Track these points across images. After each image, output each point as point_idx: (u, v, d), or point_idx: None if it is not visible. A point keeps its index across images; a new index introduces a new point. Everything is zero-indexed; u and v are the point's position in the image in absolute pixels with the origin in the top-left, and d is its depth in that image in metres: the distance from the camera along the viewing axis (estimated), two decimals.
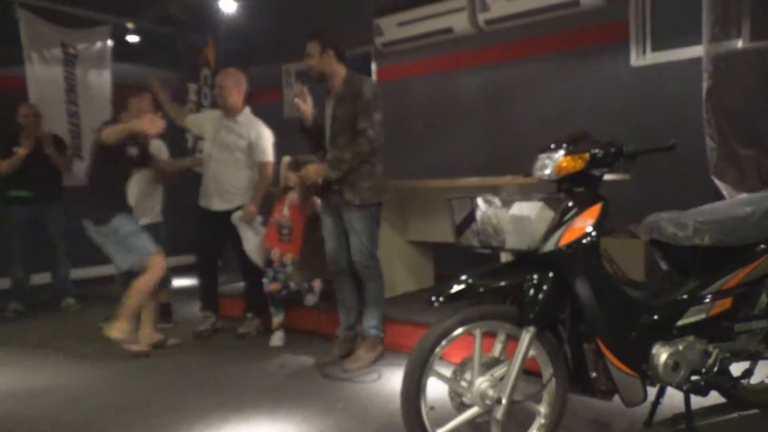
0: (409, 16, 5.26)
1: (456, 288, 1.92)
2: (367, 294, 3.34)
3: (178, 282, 6.39)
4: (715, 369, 2.08)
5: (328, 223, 3.40)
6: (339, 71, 3.23)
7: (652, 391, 2.12)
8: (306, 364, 3.43)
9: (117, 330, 3.53)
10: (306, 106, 3.30)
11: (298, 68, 6.59)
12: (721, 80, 3.62)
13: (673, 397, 2.31)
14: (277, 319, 3.86)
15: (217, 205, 4.02)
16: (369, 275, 3.29)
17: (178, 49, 6.72)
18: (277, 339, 3.82)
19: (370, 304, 3.34)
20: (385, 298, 3.47)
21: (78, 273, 5.60)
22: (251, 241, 3.95)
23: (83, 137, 5.97)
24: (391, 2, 5.45)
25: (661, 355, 2.01)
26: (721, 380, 2.14)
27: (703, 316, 2.09)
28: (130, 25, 6.45)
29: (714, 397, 2.22)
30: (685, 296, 2.11)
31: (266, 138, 4.03)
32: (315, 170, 3.20)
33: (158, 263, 3.66)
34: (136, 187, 4.40)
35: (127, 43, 6.58)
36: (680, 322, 2.07)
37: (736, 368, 2.22)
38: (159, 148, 4.42)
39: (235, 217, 3.95)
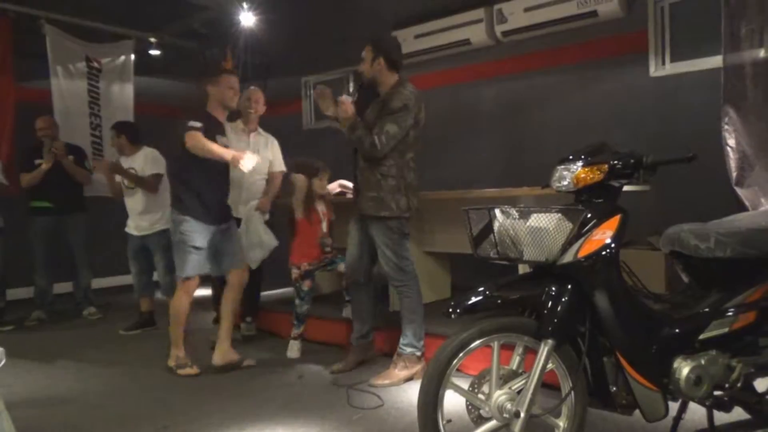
0: (427, 29, 5.29)
1: (473, 299, 1.91)
2: (402, 311, 3.26)
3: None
4: (739, 384, 2.04)
5: (353, 231, 3.38)
6: (389, 80, 3.23)
7: (673, 406, 2.08)
8: (323, 375, 3.43)
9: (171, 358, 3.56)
10: (327, 104, 3.17)
11: (316, 79, 6.66)
12: (742, 90, 3.57)
13: (696, 413, 2.27)
14: (297, 330, 3.88)
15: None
16: (401, 290, 3.23)
17: (199, 63, 6.83)
18: (294, 349, 3.83)
19: (404, 321, 3.25)
20: None
21: (99, 282, 5.69)
22: (260, 236, 3.99)
23: (105, 149, 6.09)
24: (409, 15, 5.49)
25: (683, 369, 1.98)
26: (745, 396, 2.09)
27: (725, 329, 2.05)
28: (152, 39, 6.59)
29: (738, 413, 2.17)
30: (707, 309, 2.07)
31: (279, 149, 4.27)
32: (346, 108, 3.09)
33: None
34: (134, 200, 4.62)
35: (149, 56, 6.72)
36: (702, 336, 2.04)
37: (761, 383, 2.17)
38: (146, 161, 4.61)
39: (252, 206, 4.06)
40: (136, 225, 4.64)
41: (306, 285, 3.84)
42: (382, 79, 3.22)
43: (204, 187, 3.47)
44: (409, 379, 3.23)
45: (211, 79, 3.56)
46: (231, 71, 3.71)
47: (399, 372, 3.22)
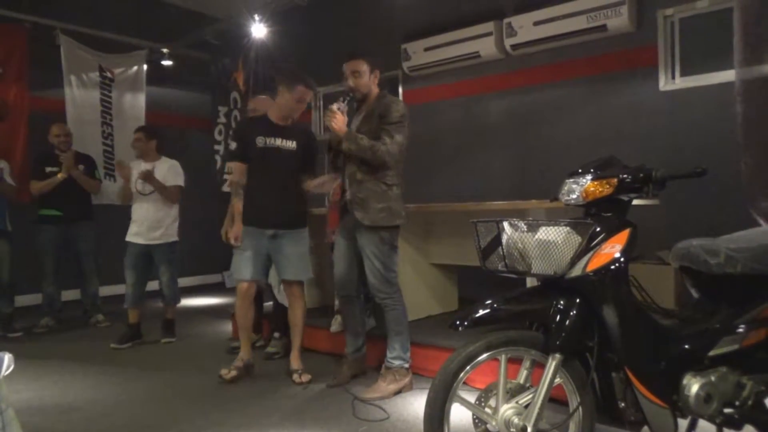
0: (436, 41, 5.33)
1: (481, 312, 1.90)
2: (387, 324, 3.24)
3: (207, 301, 6.47)
4: (750, 402, 2.01)
5: (341, 246, 3.32)
6: (375, 91, 3.28)
7: (683, 423, 2.06)
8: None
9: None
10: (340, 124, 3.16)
11: (326, 91, 6.71)
12: (759, 104, 3.54)
13: (705, 431, 2.23)
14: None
15: None
16: (386, 303, 3.20)
17: (210, 73, 6.91)
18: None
19: (391, 334, 3.24)
20: (409, 321, 3.41)
21: (107, 290, 5.72)
22: None
23: (116, 157, 6.15)
24: (419, 27, 5.53)
25: (693, 386, 1.95)
26: (756, 414, 2.06)
27: (736, 346, 2.03)
28: (164, 50, 6.67)
29: None
30: (718, 325, 2.05)
31: None
32: (339, 120, 3.09)
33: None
34: (147, 209, 4.57)
35: (161, 67, 6.80)
36: (712, 352, 2.01)
37: None
38: (170, 171, 4.63)
39: None
40: (144, 234, 4.54)
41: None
42: (372, 92, 3.26)
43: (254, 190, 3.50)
44: (398, 392, 3.22)
45: (289, 83, 3.48)
46: (310, 86, 3.56)
47: (388, 385, 3.20)
